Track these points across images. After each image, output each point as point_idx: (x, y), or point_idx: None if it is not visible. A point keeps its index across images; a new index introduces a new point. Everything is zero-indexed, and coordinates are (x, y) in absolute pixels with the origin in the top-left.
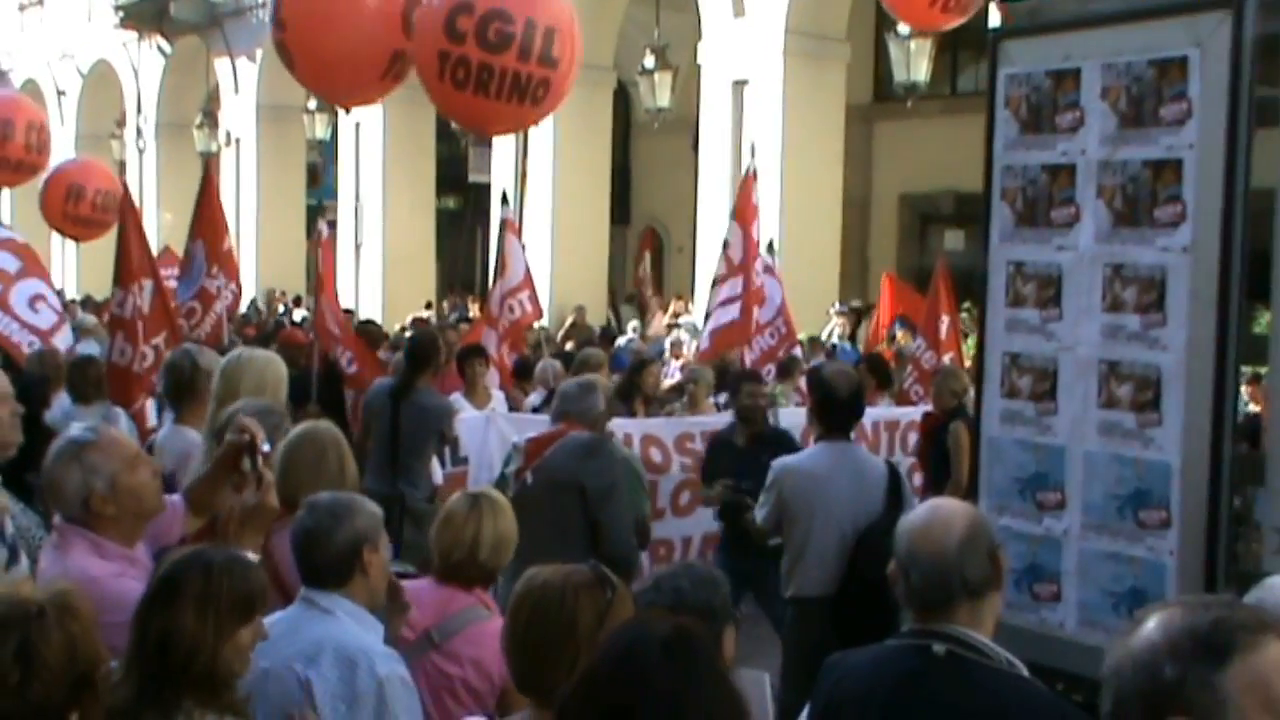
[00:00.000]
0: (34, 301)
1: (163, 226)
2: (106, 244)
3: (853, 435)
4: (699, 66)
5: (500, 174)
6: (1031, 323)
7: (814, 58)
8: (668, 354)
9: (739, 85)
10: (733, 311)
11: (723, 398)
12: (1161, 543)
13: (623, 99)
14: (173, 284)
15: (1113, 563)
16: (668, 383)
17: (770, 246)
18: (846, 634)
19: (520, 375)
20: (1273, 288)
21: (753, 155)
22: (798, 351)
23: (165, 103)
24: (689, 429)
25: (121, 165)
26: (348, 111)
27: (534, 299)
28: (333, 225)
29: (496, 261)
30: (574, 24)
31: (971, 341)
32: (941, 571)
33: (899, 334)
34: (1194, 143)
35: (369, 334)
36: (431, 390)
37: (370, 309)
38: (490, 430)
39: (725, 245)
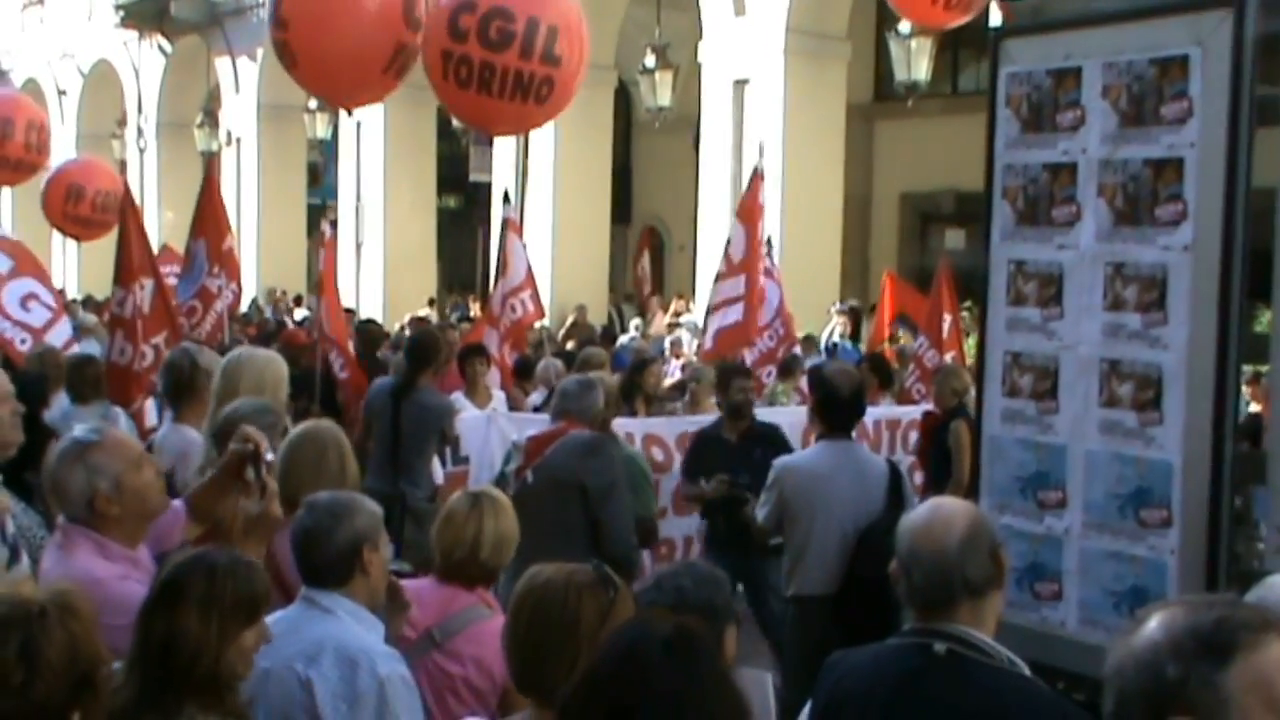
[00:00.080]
0: (26, 301)
1: (164, 226)
2: (107, 243)
3: (854, 434)
4: (700, 65)
5: (501, 173)
6: (1033, 321)
7: (815, 57)
8: (668, 353)
9: (740, 84)
10: (736, 312)
11: None
12: (1163, 542)
13: (624, 98)
14: (173, 281)
15: (1114, 562)
16: (668, 382)
17: (768, 245)
18: (848, 633)
19: (521, 375)
20: (1274, 287)
21: (761, 155)
22: (797, 350)
23: (166, 102)
24: (691, 428)
25: (122, 165)
26: (350, 113)
27: (536, 298)
28: (334, 225)
29: (498, 261)
30: (581, 23)
31: (973, 340)
32: (943, 570)
33: (901, 334)
34: (1195, 141)
35: (370, 333)
36: (433, 389)
37: (371, 308)
38: (491, 429)
39: (728, 243)
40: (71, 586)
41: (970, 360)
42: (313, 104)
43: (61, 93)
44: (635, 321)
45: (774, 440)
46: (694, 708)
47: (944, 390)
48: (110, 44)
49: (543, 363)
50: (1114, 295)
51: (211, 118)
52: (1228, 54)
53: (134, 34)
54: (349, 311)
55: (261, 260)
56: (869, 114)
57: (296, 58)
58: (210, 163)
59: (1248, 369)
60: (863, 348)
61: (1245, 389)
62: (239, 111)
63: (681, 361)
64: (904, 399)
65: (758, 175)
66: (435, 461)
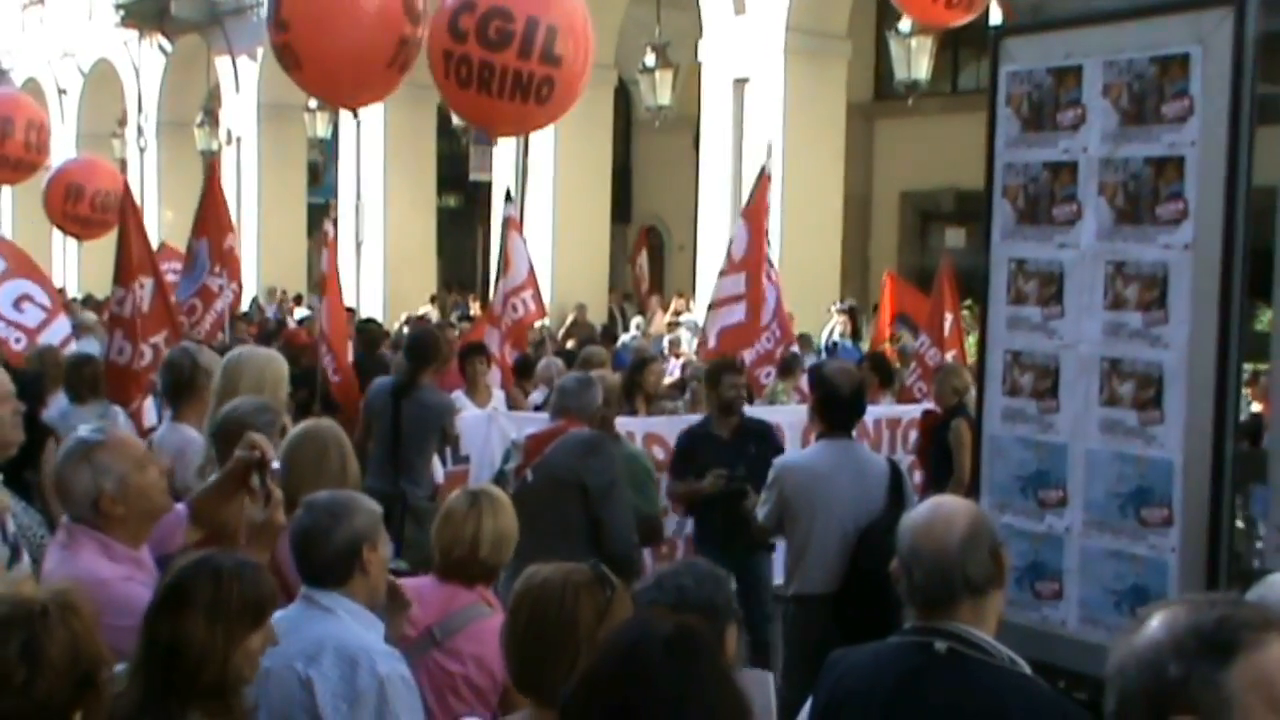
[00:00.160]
0: (19, 302)
1: (164, 225)
2: (108, 242)
3: (854, 433)
4: (700, 64)
5: (501, 172)
6: (1033, 320)
7: (815, 55)
8: (666, 352)
9: (740, 83)
10: (739, 312)
11: None
12: (1163, 540)
13: (623, 97)
14: (174, 279)
15: (1114, 560)
16: (668, 380)
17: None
18: (848, 631)
19: (520, 374)
20: (1274, 285)
21: (768, 155)
22: (796, 349)
23: (166, 101)
24: None
25: (122, 164)
26: (355, 114)
27: (537, 298)
28: (335, 224)
29: (499, 260)
30: (586, 23)
31: (973, 339)
32: (944, 569)
33: (901, 334)
34: (1195, 140)
35: (370, 333)
36: (433, 388)
37: (371, 307)
38: (492, 428)
39: (731, 241)
40: (72, 585)
41: (971, 359)
42: (313, 103)
43: (62, 92)
44: (636, 320)
45: (766, 436)
46: (695, 707)
47: (945, 389)
48: (110, 43)
49: (543, 361)
50: (1115, 294)
51: (212, 117)
52: (1228, 52)
53: (134, 33)
54: (349, 311)
55: (262, 259)
56: (869, 113)
57: (300, 59)
58: (212, 162)
59: (1247, 368)
60: (863, 346)
61: (1245, 389)
62: (239, 111)
63: (682, 361)
64: (905, 397)
65: (765, 175)
66: (435, 461)
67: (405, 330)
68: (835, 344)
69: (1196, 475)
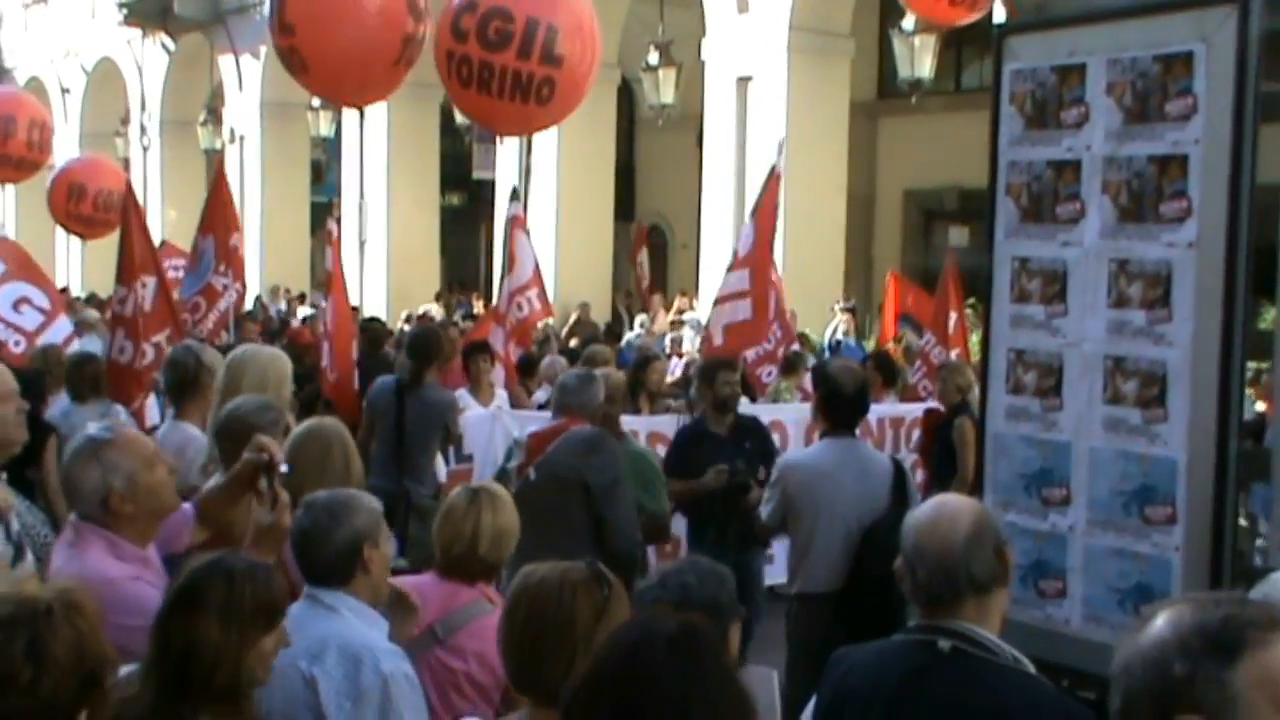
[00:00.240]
0: (18, 304)
1: (167, 224)
2: (111, 241)
3: (857, 432)
4: (703, 63)
5: (505, 171)
6: (1036, 319)
7: (818, 54)
8: (668, 351)
9: (743, 81)
10: (744, 310)
11: None
12: (1167, 539)
13: (627, 95)
14: (174, 275)
15: (1118, 559)
16: (669, 380)
17: None
18: (852, 630)
19: (524, 372)
20: (1278, 284)
21: (780, 153)
22: (797, 347)
23: (169, 100)
24: None
25: (126, 163)
26: (360, 112)
27: (543, 296)
28: (339, 223)
29: (504, 258)
30: (592, 23)
31: (977, 337)
32: (948, 567)
33: (905, 333)
34: (1199, 138)
35: (373, 331)
36: (437, 385)
37: (375, 306)
38: (496, 427)
39: (740, 238)
40: (76, 584)
41: (975, 357)
42: (316, 102)
43: (65, 91)
44: (641, 318)
45: (760, 432)
46: (700, 706)
47: (948, 387)
48: (113, 42)
49: (547, 359)
50: (1118, 292)
51: (215, 115)
52: (1232, 50)
53: (137, 32)
54: (354, 309)
55: (265, 258)
56: (872, 111)
57: (306, 62)
58: (219, 160)
59: (1250, 366)
60: (867, 345)
61: (1248, 389)
62: (242, 109)
63: (685, 360)
64: (911, 396)
65: (775, 174)
66: (439, 459)
67: (406, 329)
68: (839, 342)
69: (1200, 474)
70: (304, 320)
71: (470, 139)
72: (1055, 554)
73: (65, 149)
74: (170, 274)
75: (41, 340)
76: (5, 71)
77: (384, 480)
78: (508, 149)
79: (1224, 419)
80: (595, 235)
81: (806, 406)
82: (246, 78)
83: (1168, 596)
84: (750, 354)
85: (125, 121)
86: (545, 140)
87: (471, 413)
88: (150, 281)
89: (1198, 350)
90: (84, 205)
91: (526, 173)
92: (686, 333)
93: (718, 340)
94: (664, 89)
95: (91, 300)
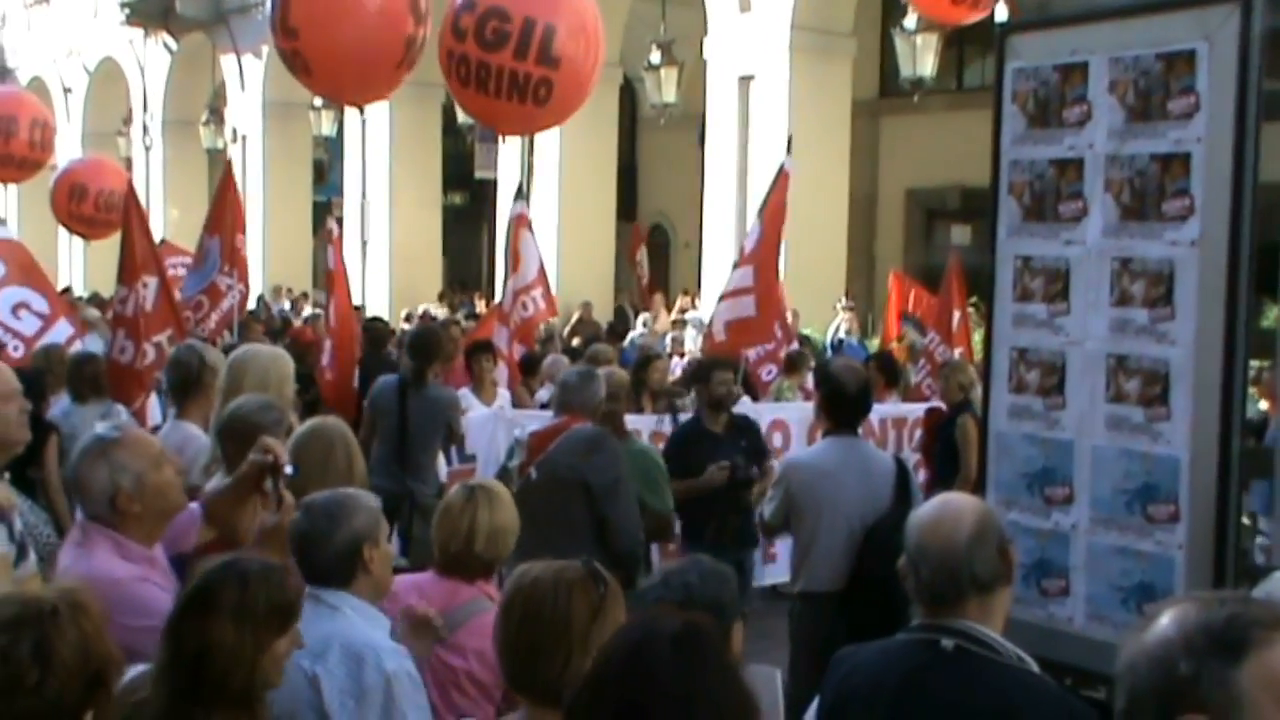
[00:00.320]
0: (16, 309)
1: (169, 224)
2: (114, 241)
3: (860, 431)
4: (705, 62)
5: (507, 170)
6: (1039, 317)
7: (820, 53)
8: (669, 350)
9: (745, 80)
10: (747, 307)
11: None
12: (1170, 537)
13: (628, 94)
14: (174, 273)
15: (1121, 557)
16: (671, 378)
17: None
18: (855, 629)
19: (526, 371)
20: None
21: (788, 152)
22: (796, 346)
23: (171, 100)
24: None
25: (128, 162)
26: (361, 111)
27: (547, 295)
28: (340, 222)
29: (507, 257)
30: (595, 23)
31: (979, 336)
32: (951, 566)
33: (908, 332)
34: (1202, 136)
35: (375, 331)
36: (439, 384)
37: (377, 306)
38: (498, 427)
39: (748, 235)
40: (81, 584)
41: (978, 355)
42: (318, 101)
43: (67, 90)
44: (643, 317)
45: (754, 429)
46: (703, 705)
47: (950, 385)
48: (116, 42)
49: (550, 358)
50: (1121, 291)
51: (217, 115)
52: (1235, 49)
53: (139, 31)
54: (357, 309)
55: (267, 257)
56: (874, 110)
57: (310, 65)
58: (227, 160)
59: (1253, 364)
60: (870, 344)
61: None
62: (244, 109)
63: (686, 360)
64: (915, 395)
65: (784, 173)
66: (440, 459)
67: (407, 328)
68: (841, 341)
69: (1203, 472)
70: (306, 320)
71: (472, 138)
72: (1058, 553)
73: (67, 149)
74: (171, 272)
75: (42, 344)
76: (8, 71)
77: (387, 480)
78: (510, 148)
79: (1226, 417)
80: (597, 234)
81: (809, 405)
82: (248, 77)
83: (1170, 595)
84: (751, 353)
85: (127, 121)
86: (547, 139)
87: (475, 413)
88: (152, 281)
89: (1200, 349)
90: (86, 206)
91: (528, 172)
92: (688, 332)
93: (720, 336)
94: (666, 88)
95: (94, 300)
